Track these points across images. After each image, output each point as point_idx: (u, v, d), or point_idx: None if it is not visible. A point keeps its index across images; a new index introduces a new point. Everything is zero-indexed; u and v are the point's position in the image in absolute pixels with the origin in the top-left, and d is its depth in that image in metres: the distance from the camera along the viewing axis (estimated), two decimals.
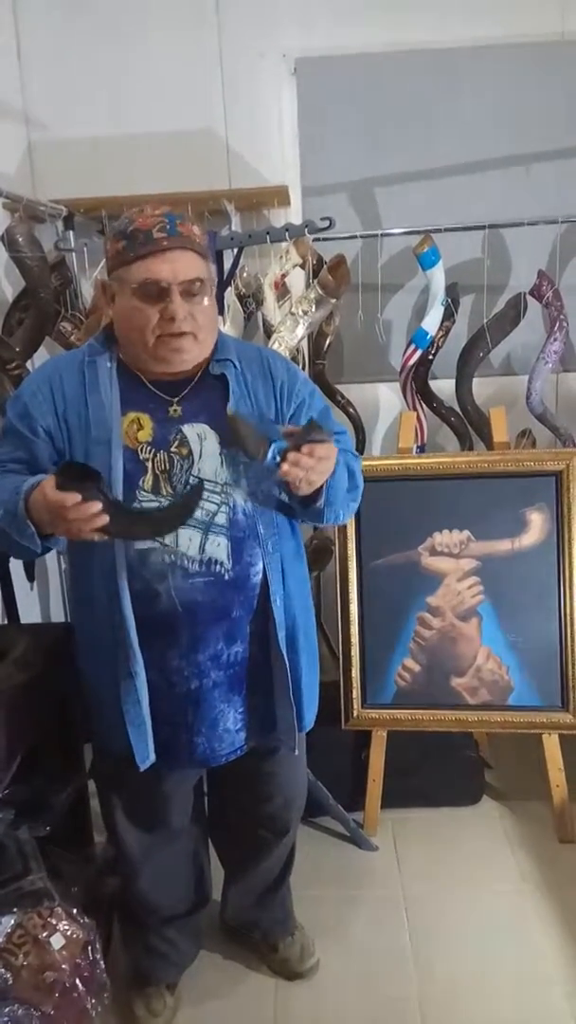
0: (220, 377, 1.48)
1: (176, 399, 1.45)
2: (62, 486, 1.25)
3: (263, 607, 1.49)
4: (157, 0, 2.45)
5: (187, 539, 1.42)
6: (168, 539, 1.41)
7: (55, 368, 1.50)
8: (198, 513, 1.41)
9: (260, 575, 1.48)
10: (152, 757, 1.48)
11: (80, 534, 1.29)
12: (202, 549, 1.43)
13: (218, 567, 1.44)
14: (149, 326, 1.38)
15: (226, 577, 1.44)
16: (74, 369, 1.47)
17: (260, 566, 1.48)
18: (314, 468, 1.34)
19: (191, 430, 1.44)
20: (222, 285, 2.08)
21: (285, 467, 1.33)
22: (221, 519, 1.43)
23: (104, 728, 1.55)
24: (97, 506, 1.25)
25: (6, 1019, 1.45)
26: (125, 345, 1.46)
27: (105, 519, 1.26)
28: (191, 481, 1.42)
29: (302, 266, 2.27)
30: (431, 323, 2.37)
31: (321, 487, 1.42)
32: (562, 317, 2.33)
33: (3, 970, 1.50)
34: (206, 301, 1.40)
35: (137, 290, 1.36)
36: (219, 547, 1.44)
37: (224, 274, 2.13)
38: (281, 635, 1.50)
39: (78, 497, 1.24)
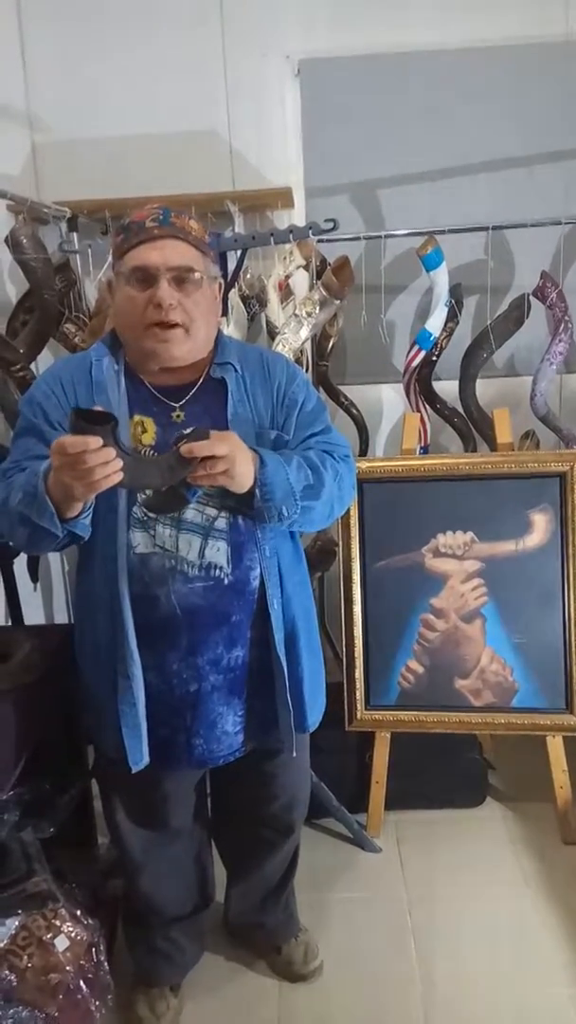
0: (221, 381, 1.48)
1: (179, 405, 1.46)
2: (79, 431, 1.21)
3: (263, 611, 1.49)
4: (161, 2, 2.45)
5: (187, 543, 1.42)
6: (168, 544, 1.42)
7: (65, 369, 1.50)
8: (198, 519, 1.42)
9: (259, 579, 1.48)
10: (146, 759, 1.48)
11: (94, 486, 1.22)
12: (202, 554, 1.43)
13: (218, 571, 1.44)
14: (139, 314, 1.38)
15: (226, 581, 1.45)
16: (83, 371, 1.47)
17: (259, 570, 1.48)
18: (213, 465, 1.29)
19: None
20: (226, 287, 2.08)
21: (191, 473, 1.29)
22: (221, 524, 1.44)
23: (100, 728, 1.55)
24: (113, 452, 1.20)
25: (11, 1021, 1.45)
26: (125, 344, 1.47)
27: (120, 464, 1.22)
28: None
29: (306, 268, 2.27)
30: (435, 324, 2.36)
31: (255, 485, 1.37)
32: (566, 318, 2.32)
33: (7, 972, 1.51)
34: (199, 295, 1.40)
35: (129, 277, 1.38)
36: (219, 552, 1.44)
37: (228, 276, 2.13)
38: (279, 638, 1.50)
39: (99, 440, 1.19)
